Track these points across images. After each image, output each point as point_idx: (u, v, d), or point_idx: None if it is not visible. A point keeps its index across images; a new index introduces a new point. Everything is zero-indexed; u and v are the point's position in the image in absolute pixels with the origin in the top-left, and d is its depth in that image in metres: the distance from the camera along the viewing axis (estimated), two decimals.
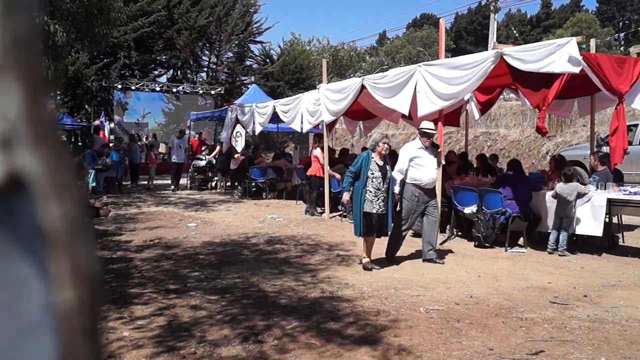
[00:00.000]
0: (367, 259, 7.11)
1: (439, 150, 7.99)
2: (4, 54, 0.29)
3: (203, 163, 18.11)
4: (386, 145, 7.06)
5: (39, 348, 0.33)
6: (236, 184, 17.12)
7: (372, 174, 6.93)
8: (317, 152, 12.25)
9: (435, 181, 7.69)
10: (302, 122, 13.19)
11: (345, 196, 7.28)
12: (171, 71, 32.22)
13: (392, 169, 7.30)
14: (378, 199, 6.93)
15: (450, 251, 8.22)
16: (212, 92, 26.60)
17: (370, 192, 6.91)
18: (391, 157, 7.79)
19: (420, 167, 7.48)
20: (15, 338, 0.32)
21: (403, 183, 7.55)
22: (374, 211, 6.93)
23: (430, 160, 7.57)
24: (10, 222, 0.31)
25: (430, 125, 7.70)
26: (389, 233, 7.28)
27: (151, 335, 4.60)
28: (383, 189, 6.97)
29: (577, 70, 6.96)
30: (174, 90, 26.11)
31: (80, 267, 0.27)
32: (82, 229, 0.27)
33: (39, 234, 0.33)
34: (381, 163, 7.03)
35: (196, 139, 20.86)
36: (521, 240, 8.55)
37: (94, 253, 0.28)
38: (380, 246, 7.49)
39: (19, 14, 0.29)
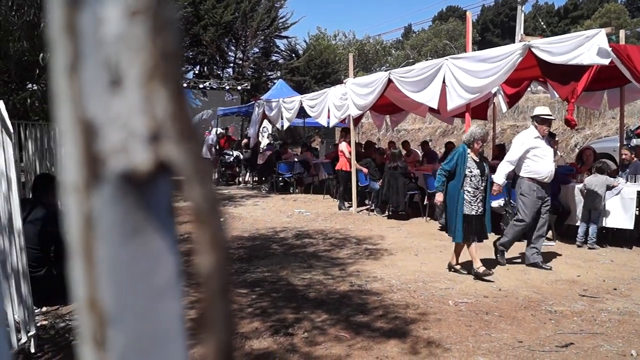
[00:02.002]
0: (482, 267, 6.36)
1: (556, 139, 7.34)
2: (155, 65, 0.35)
3: (231, 159, 18.29)
4: (481, 142, 6.40)
5: (171, 310, 0.40)
6: (263, 178, 17.26)
7: (470, 172, 6.29)
8: (343, 146, 12.30)
9: (553, 174, 6.97)
10: (328, 117, 13.24)
11: (439, 197, 6.58)
12: (197, 67, 32.51)
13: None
14: (477, 200, 6.33)
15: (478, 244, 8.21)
16: (239, 87, 26.79)
17: (469, 192, 6.29)
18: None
19: (538, 158, 6.80)
20: (152, 301, 0.39)
21: (512, 177, 6.97)
22: (473, 213, 6.31)
23: (549, 151, 6.87)
24: (151, 202, 0.38)
25: (547, 110, 7.01)
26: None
27: None
28: (482, 188, 6.34)
29: (606, 62, 6.89)
30: (201, 86, 26.36)
31: (217, 237, 0.34)
32: (218, 206, 0.34)
33: (173, 212, 0.40)
34: (478, 159, 6.39)
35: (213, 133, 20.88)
36: (550, 234, 8.50)
37: (226, 226, 0.35)
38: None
39: (165, 30, 0.36)
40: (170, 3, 0.36)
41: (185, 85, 25.47)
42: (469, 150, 6.36)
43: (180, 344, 0.40)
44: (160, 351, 0.39)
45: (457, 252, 6.61)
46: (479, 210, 6.34)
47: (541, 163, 6.81)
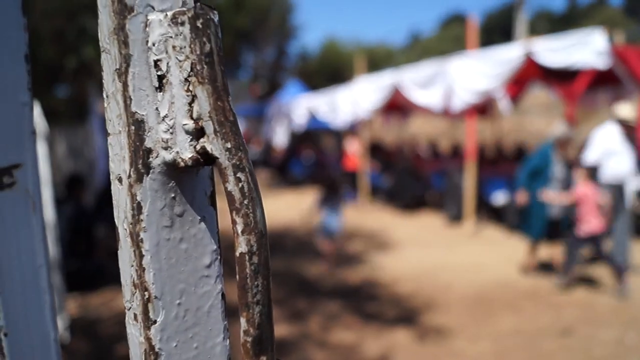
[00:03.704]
0: (533, 267, 6.08)
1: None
2: (194, 67, 0.37)
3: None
4: (568, 144, 5.89)
5: (211, 290, 0.42)
6: (278, 175, 17.30)
7: (556, 173, 5.84)
8: (352, 146, 12.31)
9: (632, 176, 6.21)
10: (339, 118, 13.24)
11: (522, 196, 6.06)
12: None
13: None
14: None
15: (482, 237, 8.20)
16: (252, 90, 26.81)
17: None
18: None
19: (618, 159, 6.04)
20: (194, 281, 0.41)
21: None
22: (557, 215, 5.87)
23: (629, 152, 6.08)
24: (193, 191, 0.40)
25: (630, 110, 6.19)
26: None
27: None
28: (567, 190, 5.81)
29: (604, 66, 6.83)
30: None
31: (253, 222, 0.35)
32: (256, 197, 0.36)
33: (209, 198, 0.42)
34: (564, 160, 5.90)
35: None
36: None
37: (263, 213, 0.36)
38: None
39: (205, 33, 0.37)
40: (210, 7, 0.37)
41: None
42: (555, 151, 5.89)
43: (220, 321, 0.42)
44: (201, 327, 0.41)
45: (533, 252, 6.11)
46: (561, 213, 5.87)
47: (621, 164, 6.04)
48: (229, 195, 0.36)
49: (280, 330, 4.46)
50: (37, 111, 4.12)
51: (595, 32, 6.76)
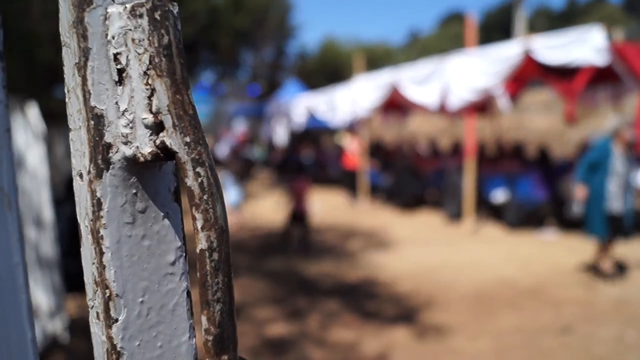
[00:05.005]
0: (607, 267, 5.75)
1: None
2: (153, 60, 0.36)
3: (252, 156, 18.41)
4: (629, 133, 5.56)
5: (175, 288, 0.41)
6: (277, 175, 17.29)
7: (616, 166, 5.57)
8: (351, 144, 12.30)
9: None
10: (337, 116, 13.23)
11: (581, 191, 5.77)
12: (211, 70, 32.53)
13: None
14: (622, 196, 5.60)
15: (481, 235, 8.19)
16: (251, 90, 26.80)
17: (612, 188, 5.57)
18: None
19: None
20: (157, 279, 0.40)
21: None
22: (619, 210, 5.57)
23: None
24: (155, 186, 0.39)
25: None
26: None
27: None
28: (631, 184, 5.63)
29: (603, 63, 6.81)
30: (214, 89, 26.39)
31: (214, 218, 0.35)
32: (216, 192, 0.35)
33: (173, 193, 0.41)
34: (624, 153, 5.60)
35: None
36: (550, 224, 8.45)
37: (224, 209, 0.35)
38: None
39: (165, 25, 0.36)
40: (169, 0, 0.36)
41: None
42: (614, 143, 5.61)
43: (185, 319, 0.41)
44: (165, 326, 0.40)
45: (603, 251, 5.80)
46: (624, 208, 5.61)
47: None
48: (189, 191, 0.35)
49: (280, 328, 4.46)
50: (36, 112, 4.12)
51: (594, 29, 6.74)
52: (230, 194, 8.55)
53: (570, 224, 8.27)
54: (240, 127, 22.45)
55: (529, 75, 10.49)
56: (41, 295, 4.08)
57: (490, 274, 6.03)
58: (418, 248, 7.40)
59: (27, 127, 4.05)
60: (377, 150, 13.92)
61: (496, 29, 54.39)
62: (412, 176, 10.76)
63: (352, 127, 13.35)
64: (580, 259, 6.64)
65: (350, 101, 12.20)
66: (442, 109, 10.21)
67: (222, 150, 17.93)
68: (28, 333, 0.60)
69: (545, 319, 4.58)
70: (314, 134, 21.35)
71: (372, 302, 5.12)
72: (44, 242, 4.14)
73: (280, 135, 17.12)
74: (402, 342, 4.20)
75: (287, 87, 21.88)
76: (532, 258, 6.72)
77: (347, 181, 12.80)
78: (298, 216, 7.31)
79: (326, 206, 11.80)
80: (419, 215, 10.28)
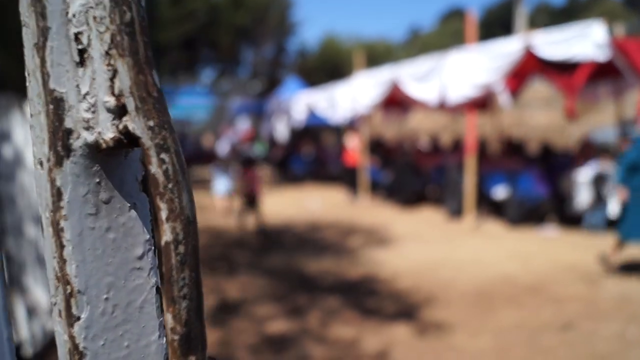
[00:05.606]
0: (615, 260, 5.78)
1: None
2: (115, 39, 0.33)
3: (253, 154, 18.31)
4: None
5: (142, 283, 0.38)
6: (278, 172, 17.26)
7: None
8: (352, 142, 12.27)
9: None
10: (338, 113, 13.20)
11: (623, 193, 5.53)
12: (212, 68, 32.49)
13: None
14: None
15: (482, 232, 8.17)
16: (252, 87, 26.75)
17: None
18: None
19: None
20: (123, 274, 0.37)
21: None
22: None
23: None
24: (118, 174, 0.37)
25: None
26: None
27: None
28: None
29: (604, 58, 6.77)
30: (215, 86, 26.35)
31: (179, 208, 0.32)
32: (182, 180, 0.32)
33: (140, 183, 0.38)
34: None
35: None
36: (551, 220, 8.42)
37: (191, 198, 0.33)
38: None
39: (125, 2, 0.34)
40: None
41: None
42: None
43: (155, 317, 0.39)
44: (133, 324, 0.37)
45: (619, 247, 5.73)
46: None
47: None
48: (152, 179, 0.32)
49: (280, 325, 4.44)
50: None
51: (595, 24, 6.70)
52: (220, 183, 9.41)
53: (571, 221, 8.25)
54: (244, 125, 22.38)
55: (530, 70, 10.46)
56: (41, 294, 4.06)
57: (491, 270, 6.00)
58: (418, 245, 7.38)
59: (26, 125, 4.04)
60: (378, 147, 13.89)
61: (496, 25, 54.28)
62: (413, 173, 10.73)
63: (353, 124, 13.32)
64: (582, 255, 6.61)
65: (350, 98, 12.17)
66: (443, 106, 10.18)
67: (223, 147, 17.86)
68: (4, 332, 0.58)
69: (546, 316, 4.56)
70: (314, 131, 21.33)
71: (372, 299, 5.10)
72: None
73: (281, 132, 17.09)
74: (402, 339, 4.17)
75: (288, 84, 21.82)
76: (533, 255, 6.70)
77: (347, 178, 12.78)
78: (250, 199, 8.06)
79: (326, 203, 11.78)
80: (419, 212, 10.25)
